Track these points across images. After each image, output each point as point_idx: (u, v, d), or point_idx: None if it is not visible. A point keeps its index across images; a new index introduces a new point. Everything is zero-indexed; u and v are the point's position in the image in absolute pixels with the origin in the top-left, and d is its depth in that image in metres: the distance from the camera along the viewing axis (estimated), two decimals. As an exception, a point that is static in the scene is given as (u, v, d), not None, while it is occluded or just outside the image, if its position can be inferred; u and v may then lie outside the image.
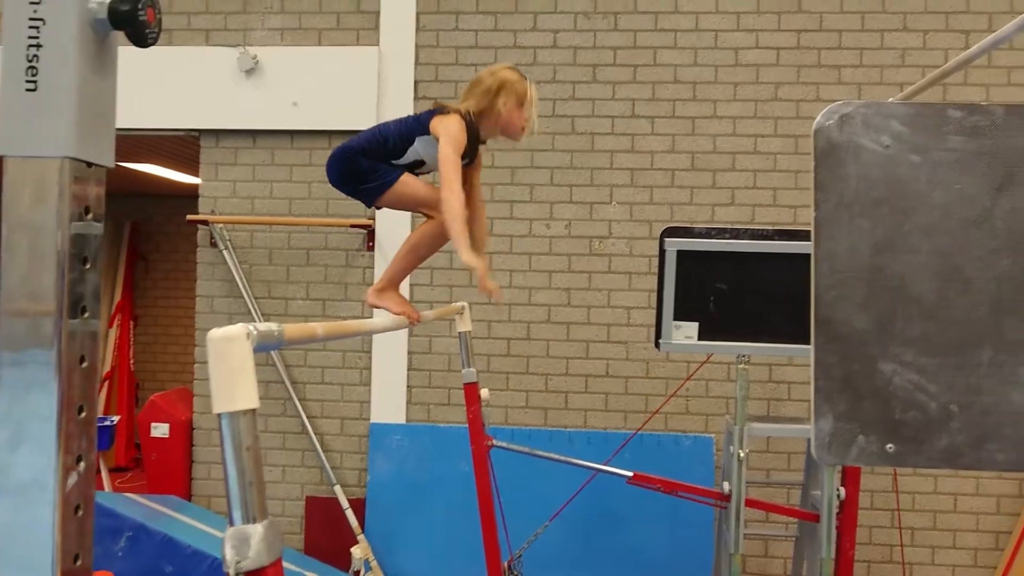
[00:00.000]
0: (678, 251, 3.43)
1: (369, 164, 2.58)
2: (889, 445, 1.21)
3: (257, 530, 1.24)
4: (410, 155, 2.61)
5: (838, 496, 3.38)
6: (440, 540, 4.52)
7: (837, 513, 3.43)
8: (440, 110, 2.61)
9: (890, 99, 3.81)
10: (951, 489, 4.44)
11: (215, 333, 1.15)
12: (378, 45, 4.70)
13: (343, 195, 4.65)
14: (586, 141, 4.67)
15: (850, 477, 3.51)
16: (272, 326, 1.43)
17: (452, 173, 2.46)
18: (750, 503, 3.47)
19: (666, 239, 3.43)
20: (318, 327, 1.71)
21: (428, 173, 2.72)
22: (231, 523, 1.23)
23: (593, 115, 4.66)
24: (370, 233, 4.68)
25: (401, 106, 4.69)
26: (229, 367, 1.16)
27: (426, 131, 2.56)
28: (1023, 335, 1.22)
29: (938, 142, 1.24)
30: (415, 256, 2.85)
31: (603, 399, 4.65)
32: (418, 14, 4.69)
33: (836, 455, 1.22)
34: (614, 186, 4.65)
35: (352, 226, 4.69)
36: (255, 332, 1.24)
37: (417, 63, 4.71)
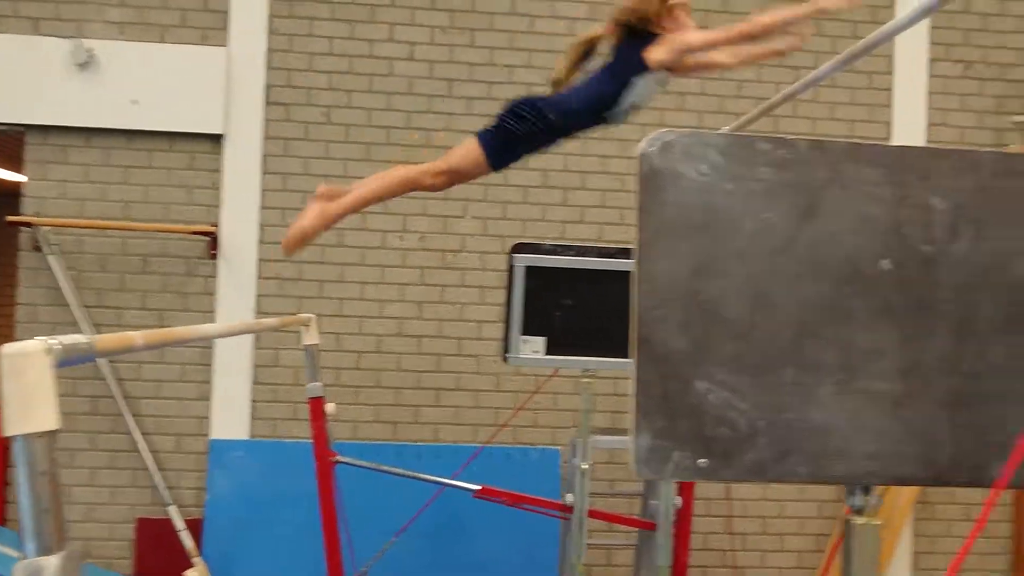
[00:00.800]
0: (526, 267, 3.48)
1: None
2: (702, 460, 1.26)
3: (52, 562, 1.14)
4: (626, 101, 2.43)
5: (674, 506, 3.52)
6: (283, 560, 4.36)
7: (674, 522, 3.57)
8: (637, 44, 2.39)
9: (724, 128, 4.04)
10: (778, 496, 4.72)
11: (8, 348, 1.06)
12: (226, 46, 4.53)
13: (184, 201, 4.44)
14: (441, 155, 4.66)
15: (685, 487, 3.67)
16: (80, 338, 1.33)
17: (722, 33, 2.30)
18: (592, 514, 3.55)
19: (515, 255, 3.48)
20: (137, 336, 1.61)
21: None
22: (24, 554, 1.13)
23: (449, 129, 4.67)
24: (213, 240, 4.49)
25: (251, 110, 4.54)
26: (24, 385, 1.07)
27: (643, 68, 2.36)
28: (821, 357, 1.30)
29: (750, 172, 1.32)
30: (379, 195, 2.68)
31: (453, 413, 4.65)
32: (271, 17, 4.55)
33: (653, 470, 1.26)
34: (468, 200, 4.67)
35: (194, 232, 4.48)
36: (58, 346, 1.15)
37: (269, 67, 4.57)
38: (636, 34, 2.43)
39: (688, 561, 3.82)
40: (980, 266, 1.35)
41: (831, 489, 4.77)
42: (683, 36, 2.34)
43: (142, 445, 4.42)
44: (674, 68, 2.44)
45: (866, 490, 1.31)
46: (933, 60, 4.88)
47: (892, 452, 1.30)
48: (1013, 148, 4.77)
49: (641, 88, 2.43)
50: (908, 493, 4.57)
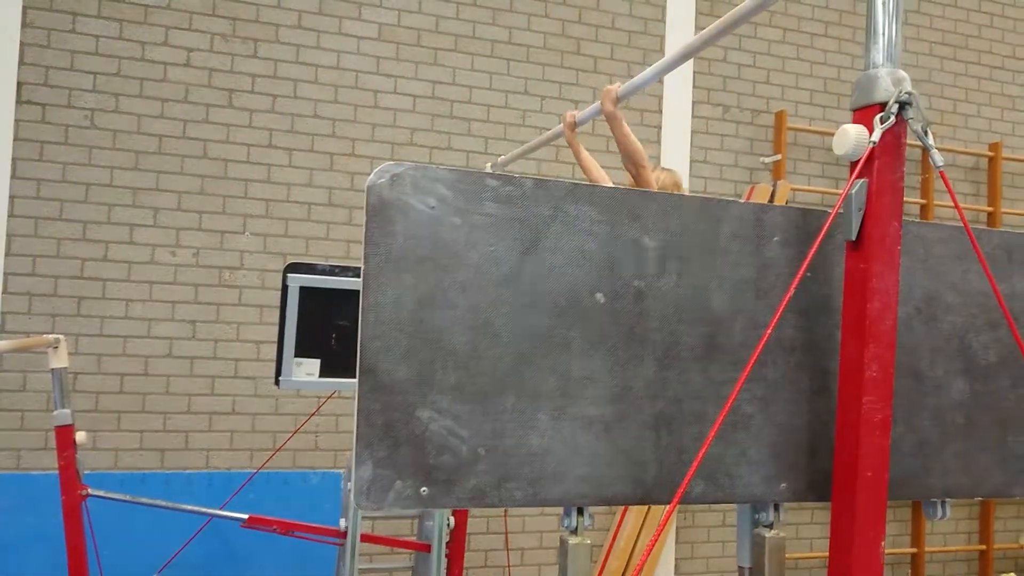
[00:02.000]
0: (301, 287, 3.40)
1: None
2: (423, 488, 1.28)
3: None
4: None
5: (448, 525, 3.56)
6: (27, 606, 3.96)
7: (448, 542, 3.61)
8: None
9: (500, 157, 4.18)
10: (555, 511, 4.90)
11: None
12: (-28, 37, 4.10)
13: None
14: (219, 167, 4.47)
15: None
16: None
17: None
18: (365, 538, 3.52)
19: (289, 275, 3.39)
20: None
21: None
22: None
23: (228, 141, 4.49)
24: (-50, 251, 4.02)
25: (0, 109, 4.12)
26: None
27: None
28: (540, 384, 1.37)
29: (477, 206, 1.37)
30: None
31: (228, 437, 4.44)
32: (25, 8, 4.17)
33: (374, 501, 1.26)
34: (248, 216, 4.50)
35: (-74, 242, 3.99)
36: None
37: (22, 63, 4.18)
38: None
39: (464, 579, 3.87)
40: (682, 299, 1.47)
41: (603, 502, 5.02)
42: None
43: None
44: None
45: (580, 511, 1.38)
46: (696, 103, 5.31)
47: (604, 474, 1.39)
48: (761, 185, 5.29)
49: None
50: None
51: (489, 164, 4.09)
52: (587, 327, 1.40)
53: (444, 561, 3.58)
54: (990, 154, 5.88)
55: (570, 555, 1.37)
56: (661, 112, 5.24)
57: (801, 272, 1.35)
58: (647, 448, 1.41)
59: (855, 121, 1.46)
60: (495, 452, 1.33)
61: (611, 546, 4.89)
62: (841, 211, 1.44)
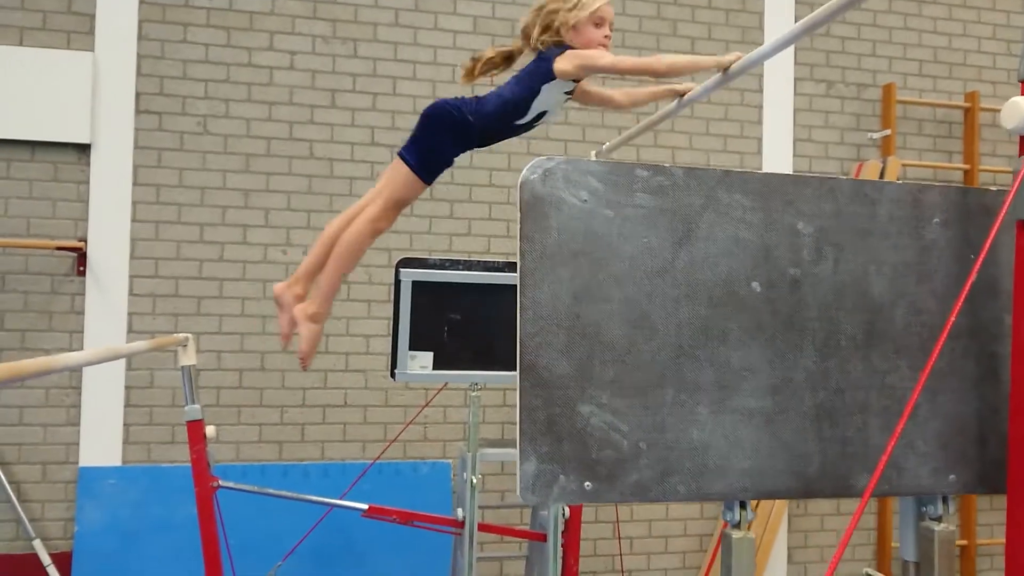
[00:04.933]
0: (413, 282, 3.45)
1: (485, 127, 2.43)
2: (587, 483, 1.28)
3: None
4: (535, 109, 2.44)
5: (563, 515, 3.56)
6: (161, 591, 4.16)
7: (563, 531, 3.62)
8: (552, 53, 2.41)
9: (604, 144, 4.14)
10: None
11: None
12: (93, 51, 4.29)
13: (47, 215, 4.20)
14: (325, 167, 4.58)
15: (574, 496, 3.72)
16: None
17: (629, 60, 2.38)
18: (483, 527, 3.55)
19: (401, 269, 3.45)
20: (-10, 375, 1.50)
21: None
22: None
23: (332, 141, 4.58)
24: (80, 256, 4.24)
25: (120, 118, 4.32)
26: None
27: (551, 76, 2.38)
28: (700, 377, 1.35)
29: (628, 198, 1.35)
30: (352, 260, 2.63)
31: (341, 429, 4.56)
32: (140, 22, 4.35)
33: (539, 495, 1.27)
34: (353, 213, 4.59)
35: (59, 248, 4.22)
36: None
37: (139, 74, 4.36)
38: (551, 46, 2.47)
39: (578, 568, 3.87)
40: (840, 286, 1.42)
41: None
42: (591, 52, 2.40)
43: (2, 476, 4.12)
44: (578, 82, 2.49)
45: (743, 505, 1.36)
46: (798, 79, 5.15)
47: (765, 467, 1.36)
48: (870, 162, 5.09)
49: (547, 96, 2.47)
50: (783, 491, 4.79)
51: (593, 152, 4.06)
52: (744, 317, 1.38)
53: (560, 550, 3.59)
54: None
55: (734, 550, 1.35)
56: (762, 91, 5.10)
57: (982, 257, 1.29)
58: (809, 440, 1.38)
59: (1024, 93, 1.38)
60: (656, 446, 1.32)
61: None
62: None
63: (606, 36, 2.47)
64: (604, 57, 2.40)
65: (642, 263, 1.35)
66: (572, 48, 2.43)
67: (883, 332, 1.43)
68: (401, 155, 2.55)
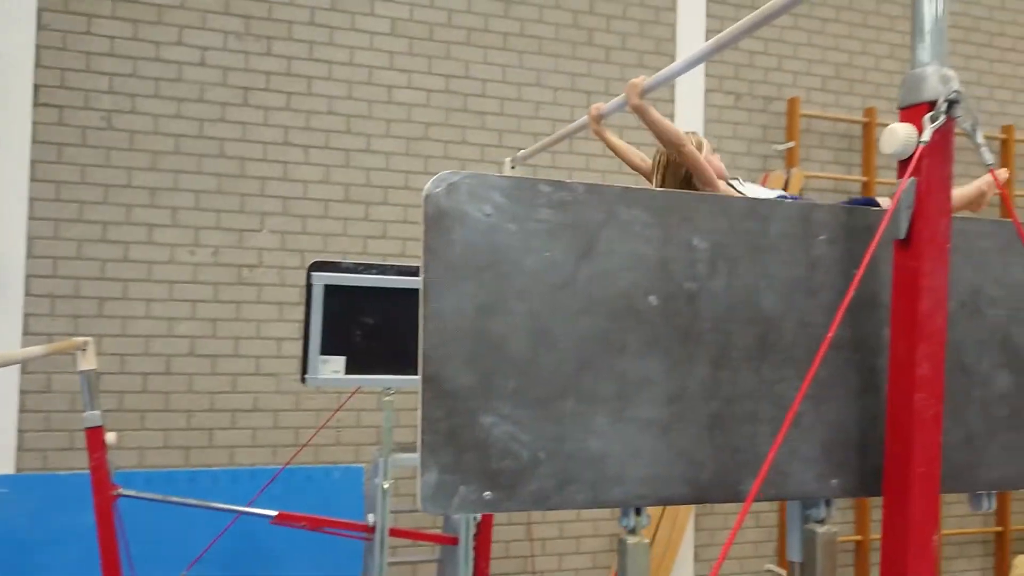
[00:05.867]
0: (325, 285, 3.42)
1: None
2: (487, 492, 1.30)
3: None
4: None
5: (474, 519, 3.59)
6: (57, 605, 4.00)
7: (474, 535, 3.64)
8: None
9: (519, 151, 4.18)
10: (575, 500, 4.94)
11: None
12: (-12, 40, 4.10)
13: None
14: (236, 166, 4.49)
15: (487, 499, 3.75)
16: None
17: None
18: (394, 532, 3.55)
19: (313, 273, 3.41)
20: None
21: None
22: None
23: (244, 139, 4.49)
24: (-28, 255, 4.04)
25: (17, 111, 4.14)
26: None
27: None
28: (599, 388, 1.38)
29: (531, 213, 1.38)
30: None
31: (251, 434, 4.47)
32: (40, 10, 4.17)
33: (440, 506, 1.29)
34: (265, 214, 4.52)
35: (-52, 246, 4.01)
36: None
37: (38, 65, 4.19)
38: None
39: (489, 571, 3.90)
40: (734, 300, 1.49)
41: (623, 491, 5.05)
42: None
43: None
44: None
45: (638, 511, 1.41)
46: (708, 91, 5.31)
47: (661, 475, 1.41)
48: (775, 173, 5.29)
49: None
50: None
51: (508, 159, 4.10)
52: (642, 330, 1.42)
53: (471, 553, 3.61)
54: (1003, 136, 5.88)
55: (629, 555, 1.39)
56: (673, 101, 5.24)
57: (860, 273, 1.37)
58: (703, 448, 1.43)
59: (903, 119, 1.47)
60: (556, 456, 1.35)
61: (632, 535, 4.92)
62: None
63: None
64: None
65: (544, 277, 1.38)
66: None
67: (773, 344, 1.50)
68: None
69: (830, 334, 1.35)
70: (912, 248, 1.44)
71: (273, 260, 4.52)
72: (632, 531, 1.40)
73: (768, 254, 1.51)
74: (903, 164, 1.46)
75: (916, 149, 1.42)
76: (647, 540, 1.41)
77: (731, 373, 1.47)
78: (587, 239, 1.40)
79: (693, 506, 5.03)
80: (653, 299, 1.43)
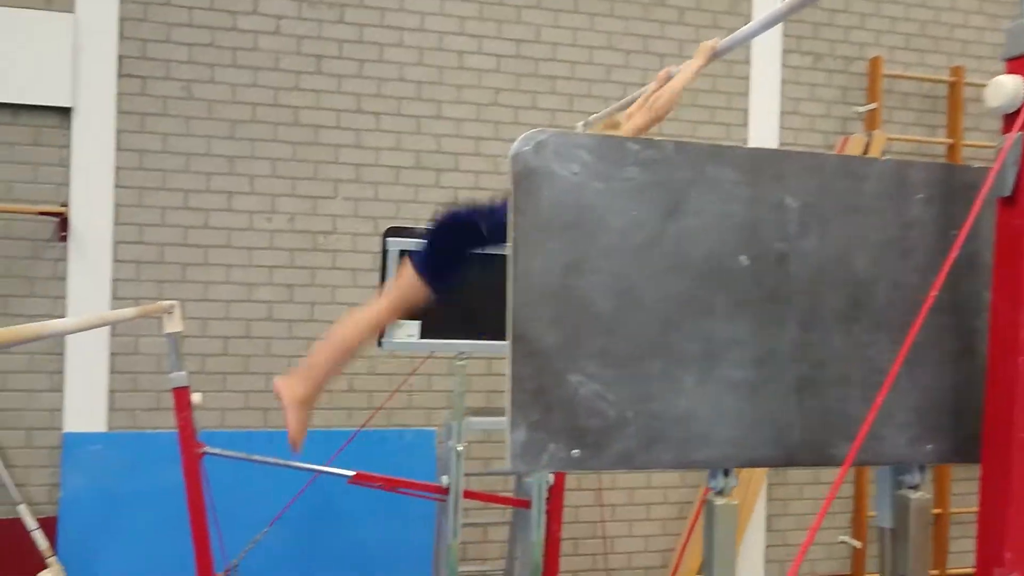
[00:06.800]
0: (400, 251, 3.45)
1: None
2: (574, 451, 1.31)
3: None
4: None
5: (547, 483, 3.62)
6: (147, 556, 4.19)
7: (547, 498, 3.67)
8: None
9: (590, 116, 4.13)
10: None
11: None
12: (73, 12, 4.22)
13: (29, 179, 4.15)
14: (310, 133, 4.55)
15: (558, 464, 3.77)
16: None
17: (640, 119, 2.33)
18: (467, 494, 3.60)
19: (388, 239, 3.45)
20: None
21: None
22: None
23: (317, 107, 4.55)
24: (63, 222, 4.20)
25: (102, 81, 4.26)
26: None
27: None
28: (687, 348, 1.37)
29: (618, 171, 1.37)
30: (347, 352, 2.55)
31: (327, 397, 4.56)
32: (123, -17, 4.28)
33: (528, 463, 1.30)
34: (339, 181, 4.58)
35: (41, 213, 4.18)
36: None
37: (121, 37, 4.30)
38: None
39: (561, 534, 3.93)
40: (825, 261, 1.45)
41: (693, 459, 5.02)
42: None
43: (-14, 442, 4.12)
44: None
45: (726, 472, 1.39)
46: (786, 51, 5.15)
47: (749, 436, 1.39)
48: (855, 136, 5.12)
49: None
50: (762, 460, 4.88)
51: (580, 123, 4.06)
52: (730, 290, 1.40)
53: (544, 517, 3.64)
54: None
55: (717, 516, 1.39)
56: (749, 63, 5.10)
57: (964, 233, 1.32)
58: (792, 410, 1.41)
59: (1009, 71, 1.40)
60: (643, 415, 1.34)
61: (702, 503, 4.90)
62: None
63: None
64: (626, 130, 2.40)
65: (631, 236, 1.37)
66: None
67: (865, 306, 1.46)
68: (412, 259, 2.52)
69: (932, 296, 1.31)
70: (1018, 206, 1.37)
71: (346, 227, 4.59)
72: (720, 492, 1.39)
73: (861, 214, 1.47)
74: (1009, 119, 1.39)
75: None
76: (735, 502, 1.40)
77: (821, 335, 1.44)
78: (675, 198, 1.38)
79: (766, 476, 4.97)
80: (743, 259, 1.41)
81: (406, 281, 2.43)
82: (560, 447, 1.30)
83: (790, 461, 1.42)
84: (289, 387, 2.59)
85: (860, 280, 1.47)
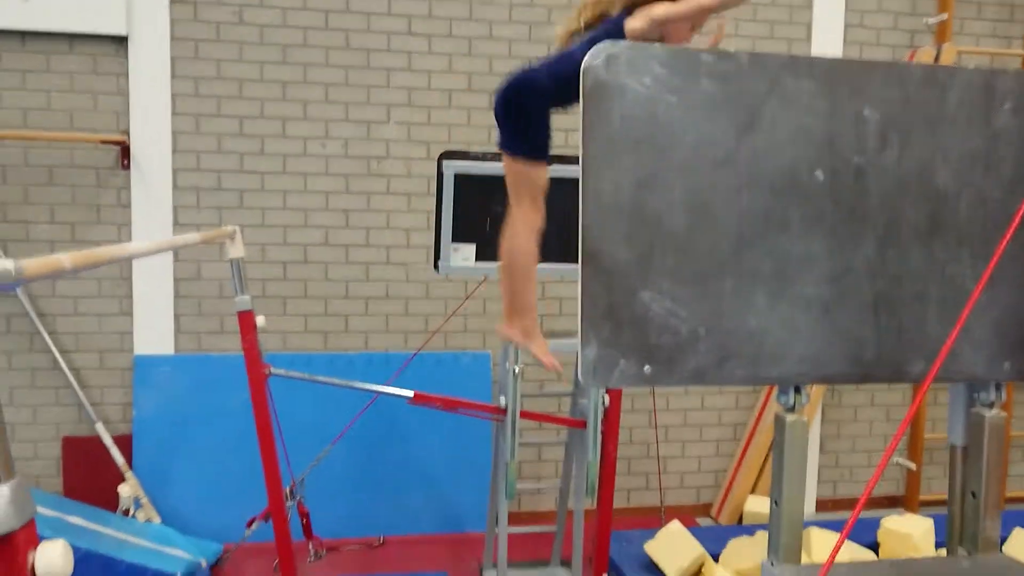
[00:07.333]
0: (455, 174, 3.45)
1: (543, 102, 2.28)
2: (646, 367, 1.31)
3: (3, 492, 1.14)
4: None
5: (603, 404, 3.66)
6: (216, 473, 4.39)
7: (602, 419, 3.72)
8: (622, 15, 2.24)
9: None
10: (698, 390, 4.96)
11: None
12: (124, -62, 4.21)
13: (89, 108, 4.21)
14: (362, 57, 4.51)
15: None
16: (6, 263, 1.29)
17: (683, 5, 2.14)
18: (524, 415, 3.66)
19: (444, 162, 3.44)
20: (65, 259, 1.55)
21: None
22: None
23: (368, 30, 4.50)
24: (124, 150, 4.27)
25: (155, 9, 4.26)
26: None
27: (622, 37, 2.18)
28: (758, 266, 1.36)
29: (692, 85, 1.33)
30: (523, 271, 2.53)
31: (384, 321, 4.66)
32: (171, -94, 4.23)
33: (600, 379, 1.31)
34: (392, 105, 4.56)
35: (102, 142, 4.26)
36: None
37: (172, -39, 4.28)
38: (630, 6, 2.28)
39: (616, 455, 3.99)
40: (905, 175, 1.41)
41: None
42: (652, 8, 2.20)
43: (62, 363, 4.30)
44: (651, 38, 2.24)
45: (797, 390, 1.39)
46: (852, -40, 4.91)
47: (822, 353, 1.38)
48: (923, 49, 4.90)
49: None
50: (818, 383, 4.86)
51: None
52: (806, 207, 1.37)
53: (599, 437, 3.70)
54: None
55: (788, 432, 1.39)
56: (812, -26, 4.88)
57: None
58: (867, 328, 1.39)
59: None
60: (715, 332, 1.34)
61: (758, 420, 4.92)
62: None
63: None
64: (660, 8, 2.19)
65: (705, 151, 1.34)
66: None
67: (946, 222, 1.42)
68: (500, 146, 2.45)
69: (1020, 212, 1.27)
70: (1114, 115, 1.31)
71: (399, 152, 4.59)
72: (791, 409, 1.39)
73: (944, 125, 1.41)
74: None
75: None
76: (805, 419, 1.40)
77: (899, 252, 1.41)
78: (750, 112, 1.35)
79: (820, 399, 4.95)
80: (819, 174, 1.37)
81: (514, 171, 2.42)
82: (631, 363, 1.31)
83: (864, 378, 1.41)
84: (509, 328, 2.65)
85: (941, 195, 1.42)
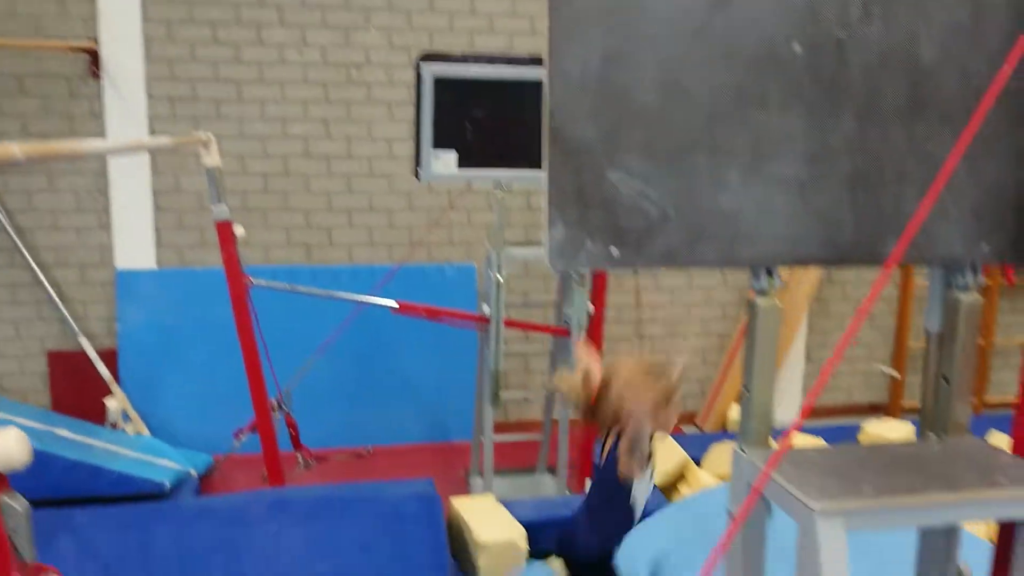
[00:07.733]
0: (435, 78, 3.35)
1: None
2: (613, 248, 1.28)
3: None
4: (638, 498, 2.05)
5: (587, 312, 3.64)
6: (203, 386, 4.40)
7: (586, 328, 3.71)
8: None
9: None
10: (686, 301, 4.95)
11: None
12: None
13: (57, 14, 4.06)
14: (338, -42, 4.34)
15: (598, 295, 3.80)
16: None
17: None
18: (508, 323, 3.66)
19: (422, 64, 3.33)
20: (15, 148, 1.50)
21: None
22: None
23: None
24: (94, 58, 4.14)
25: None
26: None
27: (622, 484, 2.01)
28: (733, 142, 1.30)
29: (665, -50, 1.25)
30: None
31: (367, 233, 4.61)
32: None
33: (566, 261, 1.27)
34: (370, 9, 4.40)
35: (71, 49, 4.11)
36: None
37: None
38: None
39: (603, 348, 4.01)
40: (887, 48, 1.34)
41: (734, 292, 5.02)
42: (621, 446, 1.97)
43: (42, 278, 4.26)
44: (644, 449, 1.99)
45: (770, 272, 1.36)
46: None
47: (798, 234, 1.34)
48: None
49: (642, 488, 2.04)
50: (807, 288, 4.85)
51: None
52: (783, 81, 1.31)
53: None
54: None
55: (760, 316, 1.36)
56: None
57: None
58: (844, 208, 1.35)
59: None
60: (686, 212, 1.30)
61: (743, 330, 4.94)
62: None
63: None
64: (622, 444, 1.95)
65: (677, 22, 1.27)
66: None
67: (928, 98, 1.36)
68: None
69: (999, 82, 1.21)
70: (1108, -21, 1.24)
71: (380, 58, 4.45)
72: (763, 293, 1.36)
73: (930, -5, 1.34)
74: None
75: None
76: (778, 303, 1.37)
77: (879, 129, 1.35)
78: (725, -21, 1.27)
79: (806, 307, 4.96)
80: (797, 47, 1.31)
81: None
82: (598, 244, 1.27)
83: (840, 260, 1.38)
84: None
85: (925, 69, 1.36)
